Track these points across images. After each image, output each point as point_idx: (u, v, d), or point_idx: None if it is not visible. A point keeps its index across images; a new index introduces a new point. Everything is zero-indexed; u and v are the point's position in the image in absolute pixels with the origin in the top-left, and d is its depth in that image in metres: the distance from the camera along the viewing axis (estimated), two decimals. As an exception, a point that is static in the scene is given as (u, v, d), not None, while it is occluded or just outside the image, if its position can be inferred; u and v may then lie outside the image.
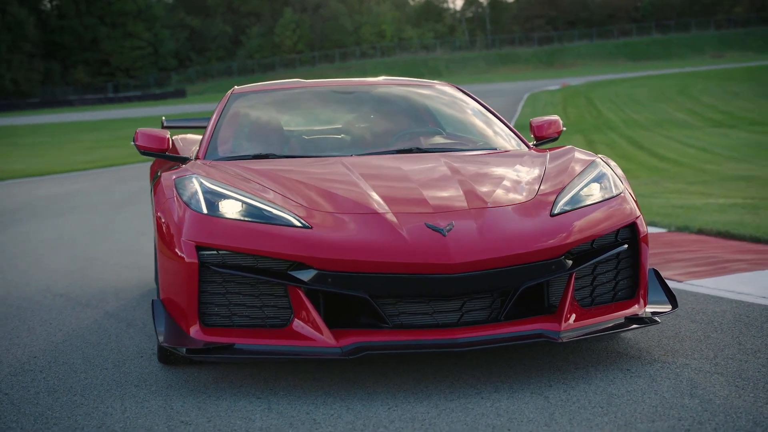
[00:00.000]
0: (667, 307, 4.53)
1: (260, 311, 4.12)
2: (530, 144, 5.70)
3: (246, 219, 4.17)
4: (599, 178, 4.68)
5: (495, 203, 4.35)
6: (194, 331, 4.11)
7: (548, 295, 4.27)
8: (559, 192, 4.51)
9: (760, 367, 4.24)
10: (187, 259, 4.10)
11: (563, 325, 4.14)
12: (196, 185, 4.39)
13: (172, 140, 6.79)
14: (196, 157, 5.30)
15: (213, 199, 4.29)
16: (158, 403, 4.00)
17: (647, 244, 4.55)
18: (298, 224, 4.13)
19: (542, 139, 5.84)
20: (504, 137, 5.67)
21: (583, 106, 39.88)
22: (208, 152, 5.32)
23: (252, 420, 3.74)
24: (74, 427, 3.73)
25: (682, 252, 8.14)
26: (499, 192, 4.46)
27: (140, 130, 5.46)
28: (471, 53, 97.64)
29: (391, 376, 4.26)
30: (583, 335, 4.17)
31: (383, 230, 4.09)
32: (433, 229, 4.08)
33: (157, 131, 5.47)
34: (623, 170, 17.82)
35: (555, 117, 5.86)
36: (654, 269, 4.73)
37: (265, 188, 4.46)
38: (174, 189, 4.45)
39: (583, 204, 4.46)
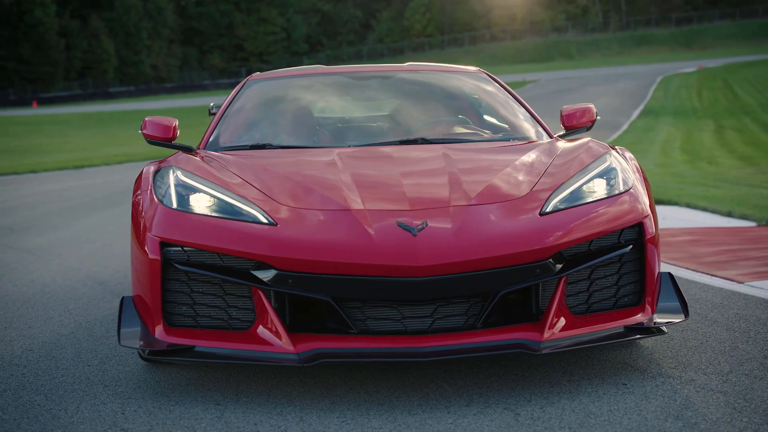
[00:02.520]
0: (679, 317, 4.11)
1: (224, 312, 3.91)
2: (554, 135, 5.31)
3: (213, 215, 3.97)
4: (606, 173, 4.28)
5: (481, 200, 4.01)
6: (159, 331, 3.94)
7: (537, 302, 3.91)
8: (557, 188, 4.14)
9: (772, 387, 3.80)
10: (150, 256, 3.93)
11: (546, 334, 3.79)
12: (171, 178, 4.22)
13: None
14: (199, 147, 5.14)
15: (184, 193, 4.10)
16: (113, 407, 3.83)
17: (656, 246, 4.14)
18: (265, 221, 3.90)
19: (572, 129, 5.42)
20: (526, 128, 5.30)
21: (718, 89, 38.37)
22: (210, 141, 5.15)
23: (194, 430, 3.54)
24: (15, 430, 3.61)
25: (759, 249, 7.56)
26: (491, 188, 4.12)
27: (149, 118, 5.32)
28: (604, 35, 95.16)
29: (368, 384, 3.99)
30: (569, 346, 3.81)
31: (350, 228, 3.82)
32: (403, 228, 3.79)
33: (165, 119, 5.31)
34: (745, 157, 16.96)
35: (588, 105, 5.44)
36: (669, 273, 4.31)
37: (243, 182, 4.24)
38: (150, 181, 4.29)
39: (582, 201, 4.08)
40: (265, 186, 4.19)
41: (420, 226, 3.79)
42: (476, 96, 5.72)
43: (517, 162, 4.46)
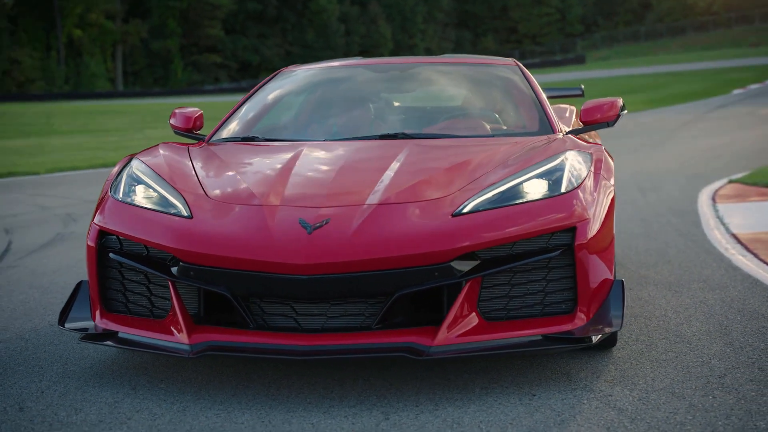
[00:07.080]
0: (615, 328, 3.82)
1: (148, 301, 4.08)
2: (557, 131, 5.00)
3: (146, 206, 4.13)
4: (550, 173, 4.03)
5: (399, 199, 3.91)
6: (97, 315, 4.17)
7: (450, 305, 3.76)
8: (485, 188, 3.95)
9: (694, 410, 3.45)
10: (89, 243, 4.17)
11: (439, 338, 3.64)
12: (126, 169, 4.43)
13: None
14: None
15: (132, 184, 4.30)
16: (40, 385, 4.01)
17: (592, 252, 3.85)
18: (185, 214, 4.02)
19: (590, 124, 5.10)
20: (531, 124, 5.09)
21: None
22: (217, 132, 5.31)
23: (78, 410, 3.70)
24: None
25: None
26: (417, 186, 4.00)
27: (177, 110, 5.56)
28: None
29: (280, 381, 4.01)
30: (467, 351, 3.65)
31: (253, 224, 3.85)
32: (302, 226, 3.77)
33: (190, 111, 5.53)
34: None
35: (612, 99, 5.08)
36: (621, 281, 4.00)
37: (192, 176, 4.36)
38: (115, 171, 4.52)
39: (509, 202, 3.87)
40: (207, 180, 4.30)
41: (318, 224, 3.76)
42: (493, 90, 5.53)
43: (474, 160, 4.29)
